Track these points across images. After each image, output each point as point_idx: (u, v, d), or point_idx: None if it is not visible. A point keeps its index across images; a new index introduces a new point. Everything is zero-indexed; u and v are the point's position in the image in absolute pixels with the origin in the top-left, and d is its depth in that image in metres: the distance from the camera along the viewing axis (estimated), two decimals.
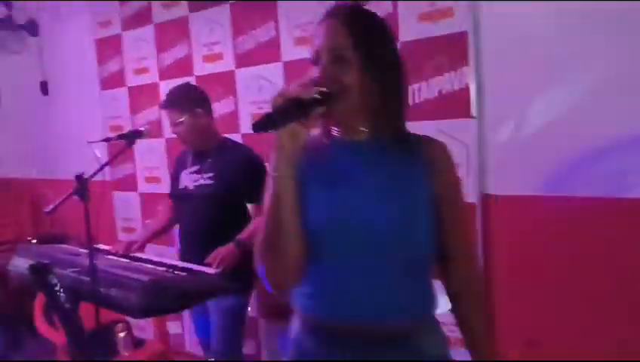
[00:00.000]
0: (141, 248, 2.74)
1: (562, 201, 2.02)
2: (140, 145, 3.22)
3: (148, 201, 3.53)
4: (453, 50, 2.18)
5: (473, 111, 2.16)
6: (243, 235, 2.45)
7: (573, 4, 1.92)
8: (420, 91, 2.28)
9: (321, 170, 1.20)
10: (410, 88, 2.30)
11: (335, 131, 1.21)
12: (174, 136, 2.65)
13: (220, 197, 2.52)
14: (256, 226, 2.55)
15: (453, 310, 1.27)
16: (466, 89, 2.17)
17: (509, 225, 2.18)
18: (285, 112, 1.03)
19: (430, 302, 1.23)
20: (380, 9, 2.35)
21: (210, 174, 2.56)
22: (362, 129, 1.18)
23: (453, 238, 1.22)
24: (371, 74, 1.13)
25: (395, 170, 1.17)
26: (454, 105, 2.21)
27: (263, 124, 1.01)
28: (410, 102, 2.30)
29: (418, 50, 2.27)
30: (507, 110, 2.13)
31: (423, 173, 1.17)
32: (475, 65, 2.14)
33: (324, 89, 1.08)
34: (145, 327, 3.43)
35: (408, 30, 2.29)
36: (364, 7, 1.22)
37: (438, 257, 1.22)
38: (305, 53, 2.73)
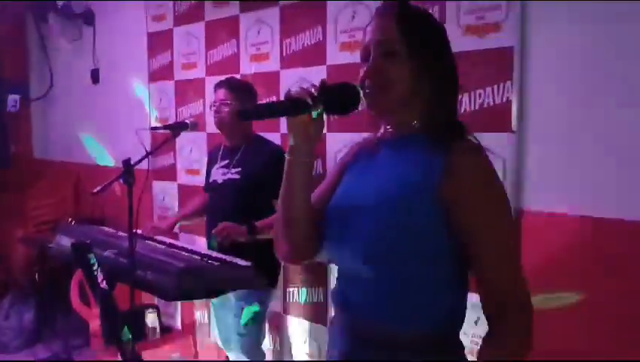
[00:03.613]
0: (170, 228, 2.85)
1: (600, 224, 2.00)
2: (182, 137, 3.33)
3: (186, 192, 3.62)
4: (498, 64, 2.20)
5: (514, 125, 2.17)
6: (259, 222, 2.49)
7: (624, 24, 1.93)
8: (461, 103, 2.31)
9: (358, 164, 1.28)
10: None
11: (387, 128, 1.24)
12: (216, 131, 2.74)
13: (245, 191, 2.60)
14: (275, 217, 2.60)
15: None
16: (508, 103, 2.18)
17: (543, 243, 2.17)
18: (268, 108, 1.21)
19: (433, 317, 1.13)
20: None
21: (238, 169, 2.65)
22: (414, 123, 1.18)
23: (478, 254, 1.10)
24: (420, 68, 1.14)
25: (408, 168, 1.15)
26: (495, 118, 2.22)
27: (245, 113, 1.23)
28: None
29: (462, 62, 2.28)
30: (549, 126, 2.13)
31: (438, 175, 1.10)
32: (519, 80, 2.15)
33: (314, 93, 1.13)
34: (173, 314, 3.52)
35: (454, 42, 2.30)
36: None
37: (475, 274, 1.13)
38: (349, 57, 2.80)
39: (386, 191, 1.14)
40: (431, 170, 1.11)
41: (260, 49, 3.13)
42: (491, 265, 1.10)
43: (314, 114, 1.14)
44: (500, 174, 2.15)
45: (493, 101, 2.23)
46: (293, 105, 1.14)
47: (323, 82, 1.15)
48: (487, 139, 2.18)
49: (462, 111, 2.30)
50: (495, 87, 2.21)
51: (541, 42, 2.12)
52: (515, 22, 2.15)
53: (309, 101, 1.12)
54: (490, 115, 2.23)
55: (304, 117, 1.13)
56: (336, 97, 1.15)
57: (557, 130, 2.11)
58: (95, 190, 2.06)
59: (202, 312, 3.51)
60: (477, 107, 2.27)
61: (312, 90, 1.13)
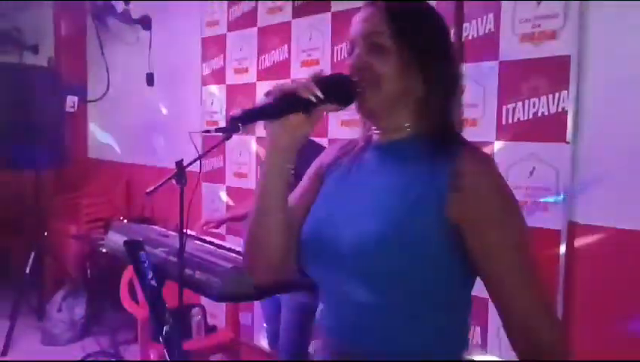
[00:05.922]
0: (217, 226, 2.90)
1: None
2: (231, 140, 3.39)
3: (234, 195, 3.68)
4: (553, 73, 2.16)
5: (568, 136, 2.12)
6: None
7: None
8: (514, 112, 2.27)
9: (340, 170, 1.13)
10: (504, 108, 2.30)
11: (373, 130, 1.11)
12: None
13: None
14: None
15: None
16: (563, 113, 2.13)
17: (595, 257, 2.11)
18: (263, 109, 1.01)
19: (434, 343, 1.02)
20: (482, 28, 2.37)
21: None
22: (406, 125, 1.06)
23: (495, 287, 0.98)
24: (411, 64, 1.02)
25: (406, 179, 1.02)
26: (549, 128, 2.17)
27: (238, 120, 0.97)
28: (504, 121, 2.29)
29: (517, 70, 2.26)
30: (605, 138, 2.07)
31: (442, 188, 0.98)
32: (575, 90, 2.10)
33: (319, 94, 0.99)
34: (217, 315, 3.57)
35: (509, 50, 2.29)
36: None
37: (493, 299, 0.99)
38: None
39: (383, 207, 1.01)
40: (434, 182, 0.99)
41: (311, 55, 3.15)
42: (513, 289, 0.97)
43: (318, 110, 1.00)
44: (552, 186, 2.15)
45: (548, 111, 2.18)
46: (295, 103, 0.99)
47: (317, 75, 1.01)
48: (541, 149, 2.18)
49: (515, 120, 2.27)
50: (550, 96, 2.17)
51: (599, 51, 2.07)
52: (572, 30, 2.10)
53: (318, 95, 0.98)
54: (545, 124, 2.19)
55: (299, 116, 1.00)
56: (342, 91, 1.03)
57: (613, 141, 2.05)
58: (149, 190, 2.12)
59: (246, 314, 3.54)
60: (531, 116, 2.22)
61: (312, 84, 0.99)
